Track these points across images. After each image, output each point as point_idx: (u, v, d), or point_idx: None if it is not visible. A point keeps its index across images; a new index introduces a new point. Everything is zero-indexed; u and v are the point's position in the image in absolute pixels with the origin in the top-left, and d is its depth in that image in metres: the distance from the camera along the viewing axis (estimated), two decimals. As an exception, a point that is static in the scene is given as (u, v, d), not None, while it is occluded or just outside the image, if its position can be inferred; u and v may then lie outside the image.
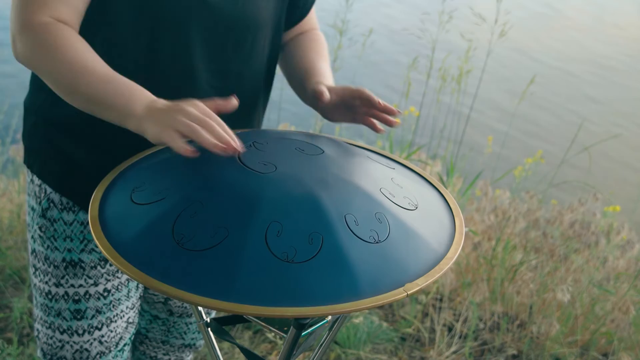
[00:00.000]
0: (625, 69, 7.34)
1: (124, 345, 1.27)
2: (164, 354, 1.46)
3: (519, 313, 2.50)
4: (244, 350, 1.06)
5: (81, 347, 1.20)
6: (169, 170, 0.95)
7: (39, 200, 1.15)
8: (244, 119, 1.18)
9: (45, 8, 0.96)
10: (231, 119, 1.14)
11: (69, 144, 1.10)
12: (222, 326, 1.09)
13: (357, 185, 0.91)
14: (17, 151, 3.04)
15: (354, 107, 1.11)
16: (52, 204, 1.14)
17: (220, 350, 1.12)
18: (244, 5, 1.08)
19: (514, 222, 2.67)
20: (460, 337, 2.33)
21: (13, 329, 2.10)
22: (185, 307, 1.36)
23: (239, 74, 1.13)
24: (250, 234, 0.81)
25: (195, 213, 0.85)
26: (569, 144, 2.96)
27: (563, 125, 5.30)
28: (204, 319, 1.07)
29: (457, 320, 2.40)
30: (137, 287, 1.26)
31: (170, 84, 1.05)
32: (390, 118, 1.10)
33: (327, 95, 1.09)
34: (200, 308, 1.07)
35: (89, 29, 1.01)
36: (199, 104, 0.90)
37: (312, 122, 3.36)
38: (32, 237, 1.18)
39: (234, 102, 0.94)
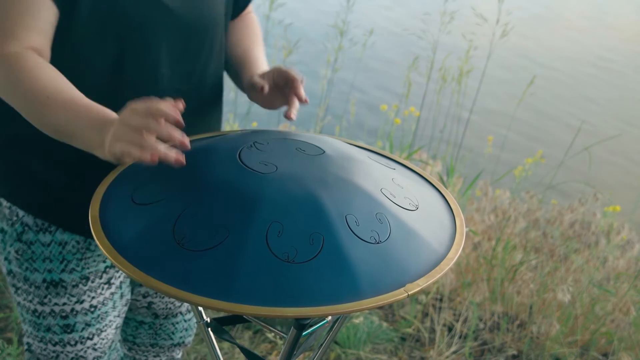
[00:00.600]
0: (624, 70, 7.34)
1: (115, 344, 1.28)
2: (155, 356, 1.46)
3: (519, 313, 2.50)
4: (244, 350, 1.06)
5: (76, 355, 1.21)
6: (170, 170, 0.95)
7: (10, 222, 1.13)
8: (208, 119, 1.19)
9: (13, 38, 0.94)
10: (196, 120, 1.13)
11: (34, 163, 1.08)
12: (222, 326, 1.09)
13: (358, 185, 0.91)
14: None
15: (282, 87, 1.12)
16: (26, 227, 1.12)
17: (220, 350, 1.12)
18: (201, 6, 1.09)
19: (514, 222, 2.67)
20: (460, 337, 2.33)
21: (13, 329, 2.10)
22: (170, 309, 1.35)
23: (201, 75, 1.13)
24: (251, 234, 0.81)
25: (196, 213, 0.85)
26: (569, 144, 2.96)
27: (563, 126, 5.30)
28: (204, 319, 1.07)
29: (457, 320, 2.40)
30: (122, 296, 1.25)
31: (137, 92, 1.03)
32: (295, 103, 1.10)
33: (266, 87, 1.10)
34: (200, 308, 1.07)
35: (54, 46, 1.00)
36: (139, 106, 0.87)
37: (313, 122, 3.36)
38: (7, 259, 1.16)
39: (179, 105, 0.90)
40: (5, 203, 1.13)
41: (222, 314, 1.42)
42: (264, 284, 0.78)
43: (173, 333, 1.40)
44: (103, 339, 1.22)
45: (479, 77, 3.45)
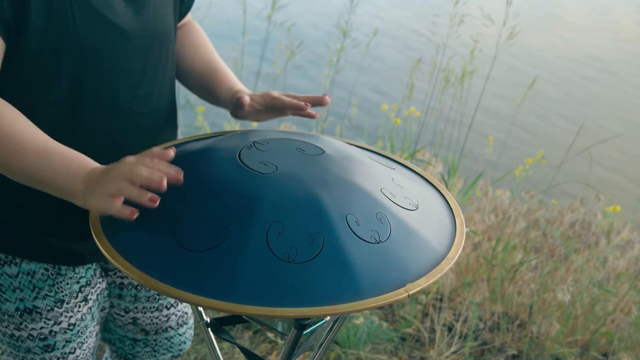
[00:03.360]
0: (623, 70, 7.35)
1: (96, 349, 1.27)
2: None
3: (519, 313, 2.50)
4: (244, 350, 1.06)
5: None
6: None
7: None
8: (166, 133, 1.17)
9: None
10: (156, 137, 1.12)
11: None
12: (222, 326, 1.09)
13: (358, 185, 0.91)
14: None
15: (280, 109, 1.12)
16: None
17: (220, 350, 1.12)
18: (155, 22, 1.06)
19: (514, 222, 2.67)
20: (460, 337, 2.33)
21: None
22: (157, 323, 1.32)
23: (159, 92, 1.11)
24: (251, 235, 0.81)
25: (196, 213, 0.85)
26: (569, 145, 2.96)
27: (564, 127, 5.31)
28: (204, 319, 1.07)
29: (457, 320, 2.40)
30: (99, 305, 1.23)
31: (96, 118, 1.02)
32: (312, 112, 1.10)
33: (247, 106, 1.11)
34: (200, 308, 1.07)
35: (2, 78, 0.95)
36: (131, 158, 0.87)
37: (313, 122, 3.36)
38: None
39: (171, 153, 0.89)
40: None
41: (222, 314, 1.42)
42: (264, 284, 0.78)
43: (171, 347, 1.38)
44: (85, 350, 1.21)
45: (481, 79, 3.44)
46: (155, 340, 1.35)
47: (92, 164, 0.91)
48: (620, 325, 2.29)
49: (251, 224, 0.82)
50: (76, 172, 0.89)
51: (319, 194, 0.86)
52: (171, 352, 1.39)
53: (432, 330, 2.36)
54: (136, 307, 1.28)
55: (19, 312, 1.12)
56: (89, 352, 1.23)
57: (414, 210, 0.93)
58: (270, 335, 2.21)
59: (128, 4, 1.01)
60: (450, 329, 2.39)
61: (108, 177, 0.86)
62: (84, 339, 1.20)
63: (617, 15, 9.87)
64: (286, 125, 3.20)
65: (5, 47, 0.91)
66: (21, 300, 1.11)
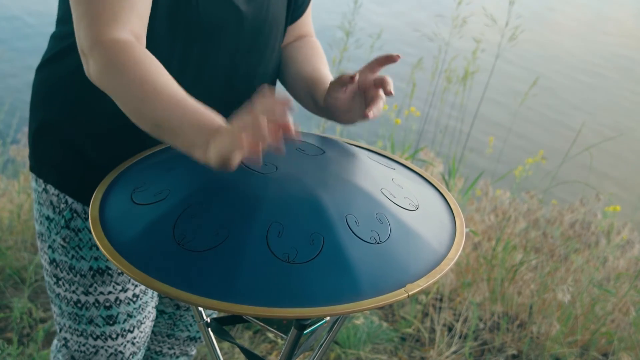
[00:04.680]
0: (623, 72, 7.35)
1: (146, 343, 1.30)
2: (169, 348, 1.47)
3: (519, 313, 2.50)
4: (244, 350, 1.06)
5: (115, 350, 1.21)
6: (169, 170, 0.95)
7: (57, 210, 1.12)
8: None
9: (117, 22, 0.91)
10: None
11: (88, 147, 1.08)
12: (222, 326, 1.09)
13: (358, 185, 0.91)
14: (17, 151, 3.03)
15: (366, 90, 1.03)
16: (75, 214, 1.12)
17: (220, 350, 1.12)
18: (268, 8, 1.10)
19: (514, 222, 2.67)
20: (460, 337, 2.33)
21: (13, 329, 2.10)
22: None
23: (263, 74, 1.14)
24: (251, 235, 0.81)
25: (196, 213, 0.85)
26: (570, 145, 2.96)
27: (564, 127, 5.31)
28: (204, 319, 1.08)
29: (457, 320, 2.40)
30: None
31: (197, 93, 1.01)
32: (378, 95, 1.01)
33: (355, 77, 1.01)
34: (200, 308, 1.07)
35: None
36: (249, 113, 0.82)
37: (315, 122, 3.36)
38: (51, 247, 1.15)
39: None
40: (52, 190, 1.12)
41: (222, 314, 1.42)
42: (264, 285, 0.78)
43: (191, 325, 1.41)
44: (141, 332, 1.23)
45: (484, 78, 3.44)
46: (180, 316, 1.38)
47: (221, 121, 0.88)
48: (620, 325, 2.29)
49: (251, 224, 0.82)
50: (205, 124, 0.87)
51: (319, 194, 0.86)
52: (189, 331, 1.42)
53: (432, 330, 2.36)
54: None
55: (91, 272, 1.14)
56: (143, 337, 1.24)
57: (414, 211, 0.93)
58: (270, 335, 2.21)
59: None
60: (450, 329, 2.39)
61: (232, 125, 0.83)
62: (143, 319, 1.22)
63: (617, 19, 9.87)
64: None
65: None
66: (95, 259, 1.14)
